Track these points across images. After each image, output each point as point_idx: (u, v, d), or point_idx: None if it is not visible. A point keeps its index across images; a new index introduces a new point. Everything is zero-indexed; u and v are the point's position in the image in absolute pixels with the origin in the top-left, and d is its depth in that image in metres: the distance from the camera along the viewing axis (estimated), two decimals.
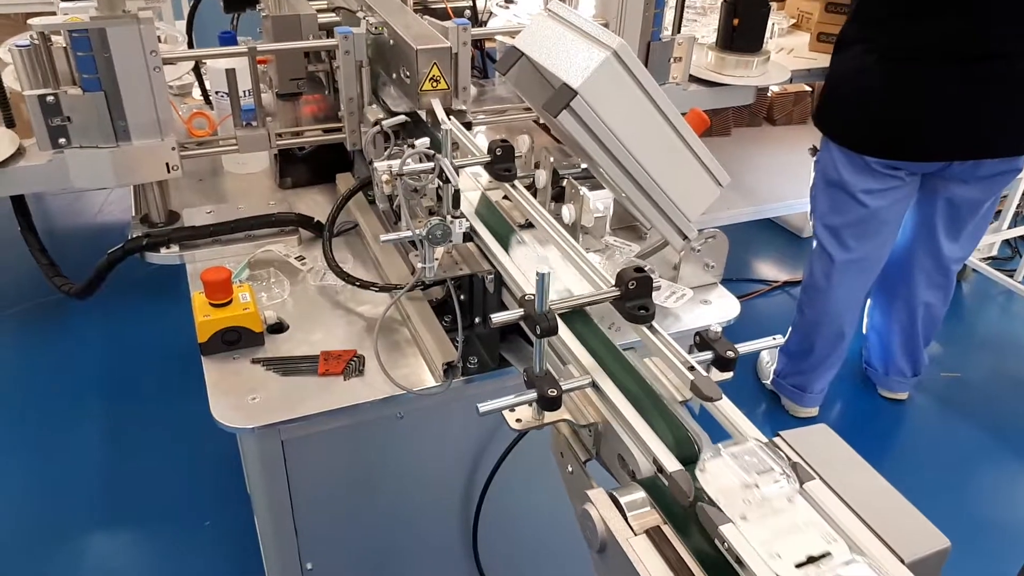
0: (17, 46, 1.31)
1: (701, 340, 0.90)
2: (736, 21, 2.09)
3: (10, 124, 1.48)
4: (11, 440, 2.52)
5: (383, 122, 1.33)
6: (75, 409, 2.63)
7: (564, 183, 1.40)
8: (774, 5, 2.34)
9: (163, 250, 1.46)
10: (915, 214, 2.39)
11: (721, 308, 1.44)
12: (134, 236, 1.46)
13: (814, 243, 2.45)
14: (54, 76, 1.33)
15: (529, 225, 1.25)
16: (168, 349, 2.85)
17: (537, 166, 1.45)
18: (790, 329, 2.65)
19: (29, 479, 2.38)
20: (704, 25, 2.57)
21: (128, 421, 2.59)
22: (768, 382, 2.80)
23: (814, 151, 2.37)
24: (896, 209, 2.28)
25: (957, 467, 2.58)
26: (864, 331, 2.80)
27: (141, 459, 2.45)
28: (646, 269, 0.93)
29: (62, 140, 1.35)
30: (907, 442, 2.70)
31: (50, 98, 1.31)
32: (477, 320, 1.22)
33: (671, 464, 0.76)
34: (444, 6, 2.16)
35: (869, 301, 2.70)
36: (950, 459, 2.61)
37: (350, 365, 1.23)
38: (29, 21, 1.30)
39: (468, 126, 1.44)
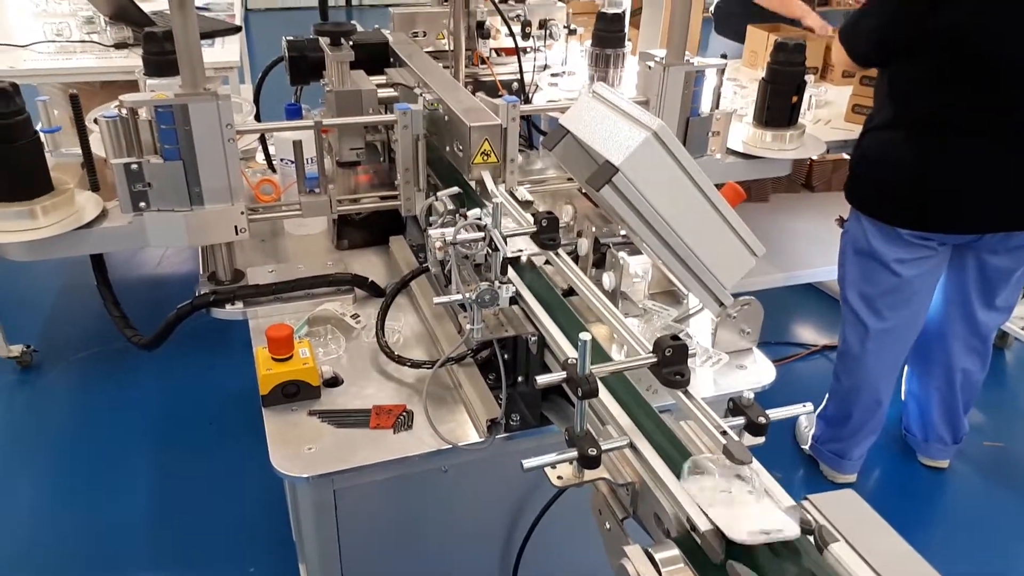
0: (105, 117, 1.43)
1: (734, 406, 0.95)
2: (794, 99, 2.11)
3: (95, 188, 1.60)
4: (65, 482, 2.61)
5: (439, 192, 1.42)
6: (128, 453, 2.72)
7: (605, 251, 1.47)
8: (811, 77, 2.41)
9: (228, 306, 1.55)
10: (948, 282, 2.40)
11: (756, 373, 1.47)
12: (202, 293, 1.56)
13: (843, 310, 2.47)
14: (138, 145, 1.44)
15: (571, 291, 1.32)
16: (217, 399, 2.95)
17: (580, 235, 1.53)
18: (827, 396, 2.65)
19: (80, 520, 2.46)
20: (743, 98, 2.65)
21: (177, 467, 2.67)
22: (807, 447, 2.79)
23: (841, 222, 2.40)
24: (929, 278, 2.30)
25: (999, 537, 2.53)
26: (903, 398, 2.79)
27: (188, 505, 2.53)
28: (682, 337, 0.99)
29: (142, 204, 1.46)
30: (948, 511, 2.66)
31: (134, 166, 1.42)
32: (520, 379, 1.28)
33: (704, 523, 0.81)
34: (493, 79, 2.29)
35: (906, 368, 2.69)
36: (992, 529, 2.56)
37: (400, 420, 1.30)
38: (120, 97, 1.41)
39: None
